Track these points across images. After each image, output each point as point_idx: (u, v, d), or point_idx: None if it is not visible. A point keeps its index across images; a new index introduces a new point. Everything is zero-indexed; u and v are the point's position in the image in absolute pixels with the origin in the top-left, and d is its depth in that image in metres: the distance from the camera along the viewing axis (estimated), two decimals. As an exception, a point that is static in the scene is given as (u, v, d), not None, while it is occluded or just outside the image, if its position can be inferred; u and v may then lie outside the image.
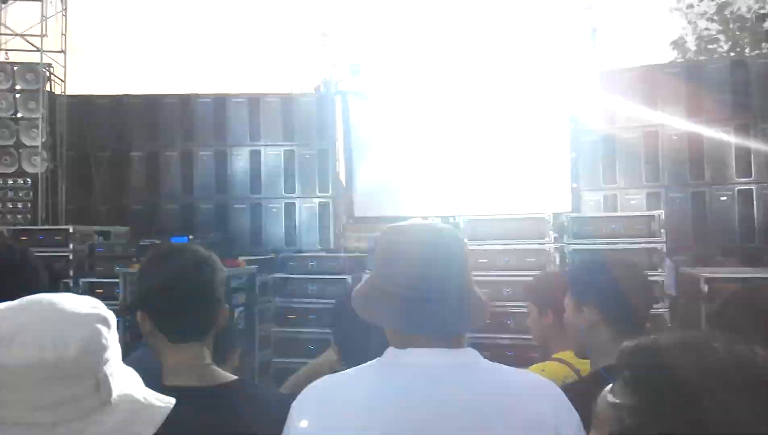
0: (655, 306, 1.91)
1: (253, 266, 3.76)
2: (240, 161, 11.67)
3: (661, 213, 4.12)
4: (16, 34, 10.95)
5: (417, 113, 12.50)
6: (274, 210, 11.68)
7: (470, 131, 12.10)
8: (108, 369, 0.88)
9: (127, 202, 11.45)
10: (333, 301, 4.35)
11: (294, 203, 11.69)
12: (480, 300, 1.20)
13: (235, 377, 1.51)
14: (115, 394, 0.87)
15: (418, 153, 12.51)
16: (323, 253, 5.35)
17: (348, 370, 1.22)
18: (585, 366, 1.98)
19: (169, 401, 0.95)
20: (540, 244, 4.11)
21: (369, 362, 1.19)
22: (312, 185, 11.80)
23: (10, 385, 0.80)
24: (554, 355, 2.20)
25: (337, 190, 12.13)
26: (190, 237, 3.19)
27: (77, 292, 3.70)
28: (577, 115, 11.31)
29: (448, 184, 12.22)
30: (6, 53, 10.98)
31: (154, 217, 11.22)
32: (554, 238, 4.23)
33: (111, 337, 0.91)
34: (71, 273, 4.55)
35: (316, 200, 11.75)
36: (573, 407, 1.11)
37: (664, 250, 4.07)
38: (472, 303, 1.18)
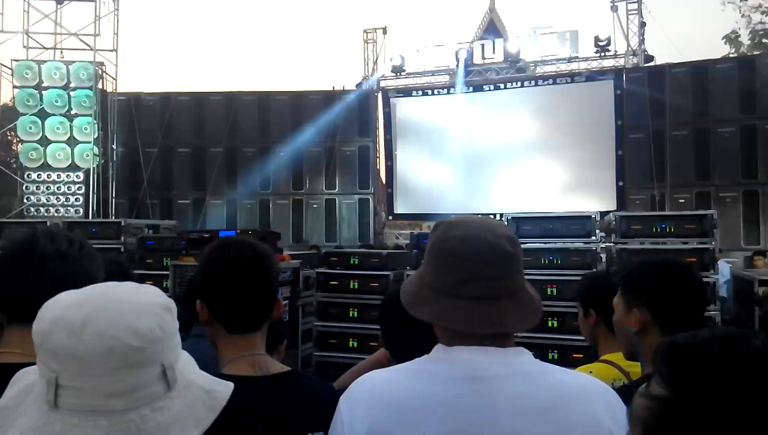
0: (707, 308, 1.85)
1: (297, 260, 3.81)
2: (282, 158, 11.86)
3: (713, 212, 3.97)
4: (71, 34, 11.35)
5: (459, 110, 12.48)
6: (315, 206, 11.83)
7: (515, 128, 11.98)
8: (172, 356, 0.90)
9: (173, 196, 11.78)
10: (375, 297, 4.40)
11: (334, 199, 11.82)
12: (533, 299, 1.16)
13: (289, 368, 1.54)
14: (179, 380, 0.89)
15: (460, 150, 12.50)
16: (365, 250, 5.37)
17: (395, 366, 1.21)
18: (635, 368, 1.93)
19: (228, 386, 0.96)
20: (586, 243, 4.03)
21: (417, 359, 1.17)
22: (352, 182, 11.91)
23: (83, 374, 0.82)
24: (602, 357, 2.15)
25: (377, 186, 12.21)
26: (238, 231, 3.24)
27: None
28: (624, 111, 11.05)
29: (490, 181, 12.14)
30: (61, 52, 11.40)
31: (200, 212, 11.51)
32: (601, 237, 4.13)
33: (174, 324, 0.92)
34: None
35: (356, 197, 11.86)
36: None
37: (717, 250, 3.93)
38: (525, 302, 1.15)
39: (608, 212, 10.78)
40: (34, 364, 1.22)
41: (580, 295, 2.31)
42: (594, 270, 3.83)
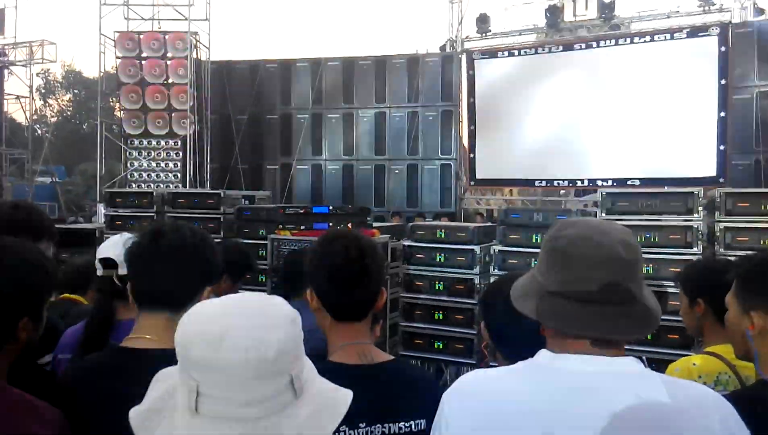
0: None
1: (386, 235, 3.90)
2: (366, 123, 11.95)
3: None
4: (167, 5, 11.82)
5: (547, 71, 11.99)
6: (397, 171, 11.89)
7: (607, 89, 11.38)
8: (299, 365, 0.97)
9: (262, 162, 12.20)
10: (460, 271, 4.44)
11: (417, 165, 11.81)
12: (649, 310, 1.12)
13: (392, 357, 1.62)
14: (305, 388, 0.96)
15: (547, 113, 12.06)
16: (451, 223, 5.38)
17: (500, 368, 1.23)
18: (743, 365, 1.86)
19: (347, 394, 1.03)
20: (686, 220, 3.84)
21: (523, 362, 1.18)
22: (435, 147, 11.81)
23: (220, 383, 0.89)
24: (707, 348, 2.08)
25: (459, 151, 12.07)
26: (330, 207, 3.37)
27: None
28: (729, 70, 10.21)
29: (580, 146, 11.66)
30: (159, 23, 11.93)
31: (287, 177, 11.87)
32: (704, 214, 3.92)
33: (299, 335, 0.99)
34: (222, 234, 4.98)
35: (438, 162, 11.79)
36: (744, 425, 1.06)
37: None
38: (639, 311, 1.11)
39: (709, 178, 10.35)
40: (164, 350, 1.35)
41: (686, 283, 2.22)
42: (701, 255, 3.66)
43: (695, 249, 3.80)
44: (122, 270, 1.86)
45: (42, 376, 1.85)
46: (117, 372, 1.46)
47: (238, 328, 0.91)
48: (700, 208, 3.84)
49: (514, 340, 1.72)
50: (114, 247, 2.05)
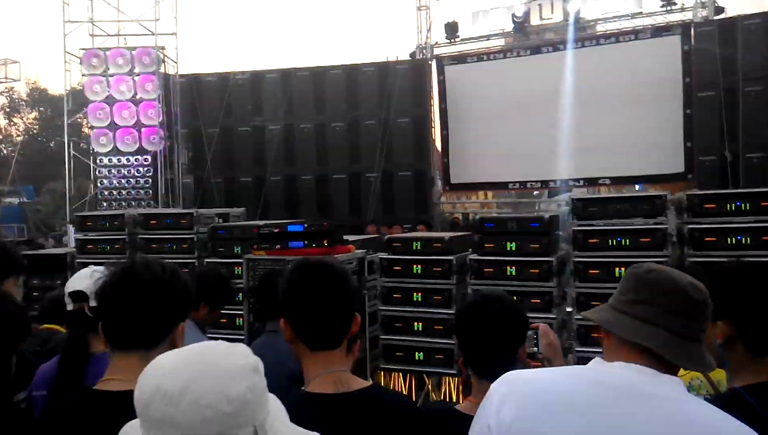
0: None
1: (363, 250, 3.89)
2: (338, 132, 11.92)
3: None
4: (132, 20, 11.68)
5: (516, 74, 12.12)
6: (372, 179, 11.89)
7: (576, 91, 11.52)
8: (262, 414, 0.95)
9: (235, 175, 12.09)
10: (438, 281, 4.46)
11: (391, 172, 11.82)
12: (703, 355, 1.27)
13: (369, 383, 1.62)
14: None
15: (517, 116, 12.18)
16: (427, 234, 5.41)
17: (554, 368, 1.31)
18: (715, 372, 1.91)
19: None
20: (656, 223, 3.92)
21: (573, 366, 1.30)
22: (409, 154, 11.83)
23: None
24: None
25: (433, 157, 12.11)
26: (305, 225, 3.35)
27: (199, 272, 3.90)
28: (693, 69, 10.46)
29: (551, 147, 11.80)
30: (125, 39, 11.77)
31: (261, 189, 11.78)
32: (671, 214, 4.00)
33: (262, 384, 0.98)
34: (195, 254, 4.92)
35: (413, 168, 11.82)
36: None
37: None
38: (694, 350, 1.25)
39: (677, 175, 10.57)
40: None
41: None
42: (670, 260, 3.73)
43: (665, 251, 3.88)
44: (93, 302, 1.83)
45: (17, 415, 1.82)
46: (91, 417, 1.44)
47: (197, 383, 0.90)
48: (668, 211, 3.92)
49: (484, 360, 1.73)
50: (82, 280, 2.02)
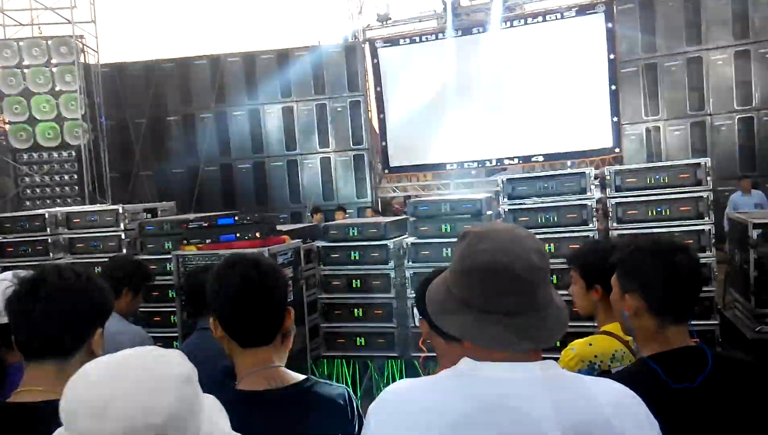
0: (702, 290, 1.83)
1: (297, 241, 3.85)
2: (273, 119, 11.71)
3: (707, 160, 3.98)
4: (47, 8, 11.01)
5: (448, 56, 12.21)
6: (311, 165, 11.77)
7: (507, 70, 11.73)
8: (195, 424, 0.93)
9: (167, 166, 11.69)
10: (376, 267, 4.47)
11: (329, 157, 11.75)
12: (561, 311, 1.15)
13: (303, 377, 1.60)
14: None
15: (452, 97, 12.30)
16: (363, 220, 5.41)
17: (427, 378, 1.23)
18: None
19: None
20: (581, 199, 4.06)
21: (445, 372, 1.15)
22: (346, 138, 11.77)
23: None
24: (603, 328, 2.20)
25: (371, 141, 12.09)
26: (236, 218, 3.27)
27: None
28: (616, 45, 10.84)
29: (485, 126, 12.02)
30: (39, 28, 11.09)
31: (195, 180, 11.45)
32: (598, 189, 4.15)
33: (194, 392, 0.95)
34: (124, 251, 4.74)
35: (351, 153, 11.77)
36: (655, 420, 1.12)
37: (711, 199, 3.96)
38: (554, 316, 1.13)
39: (606, 150, 10.98)
40: (53, 401, 1.28)
41: (585, 268, 2.32)
42: (594, 240, 3.86)
43: (591, 225, 4.02)
44: (3, 319, 1.74)
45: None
46: (7, 430, 1.38)
47: (123, 394, 0.87)
48: (593, 187, 4.05)
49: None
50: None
